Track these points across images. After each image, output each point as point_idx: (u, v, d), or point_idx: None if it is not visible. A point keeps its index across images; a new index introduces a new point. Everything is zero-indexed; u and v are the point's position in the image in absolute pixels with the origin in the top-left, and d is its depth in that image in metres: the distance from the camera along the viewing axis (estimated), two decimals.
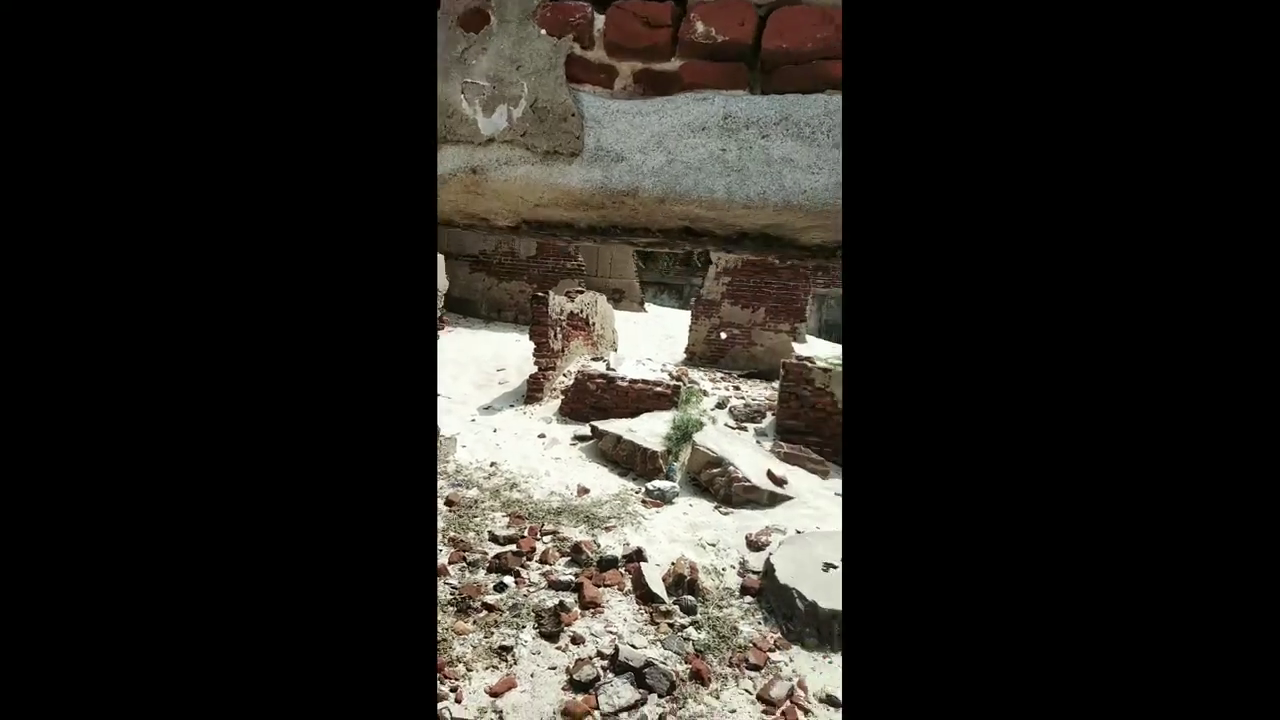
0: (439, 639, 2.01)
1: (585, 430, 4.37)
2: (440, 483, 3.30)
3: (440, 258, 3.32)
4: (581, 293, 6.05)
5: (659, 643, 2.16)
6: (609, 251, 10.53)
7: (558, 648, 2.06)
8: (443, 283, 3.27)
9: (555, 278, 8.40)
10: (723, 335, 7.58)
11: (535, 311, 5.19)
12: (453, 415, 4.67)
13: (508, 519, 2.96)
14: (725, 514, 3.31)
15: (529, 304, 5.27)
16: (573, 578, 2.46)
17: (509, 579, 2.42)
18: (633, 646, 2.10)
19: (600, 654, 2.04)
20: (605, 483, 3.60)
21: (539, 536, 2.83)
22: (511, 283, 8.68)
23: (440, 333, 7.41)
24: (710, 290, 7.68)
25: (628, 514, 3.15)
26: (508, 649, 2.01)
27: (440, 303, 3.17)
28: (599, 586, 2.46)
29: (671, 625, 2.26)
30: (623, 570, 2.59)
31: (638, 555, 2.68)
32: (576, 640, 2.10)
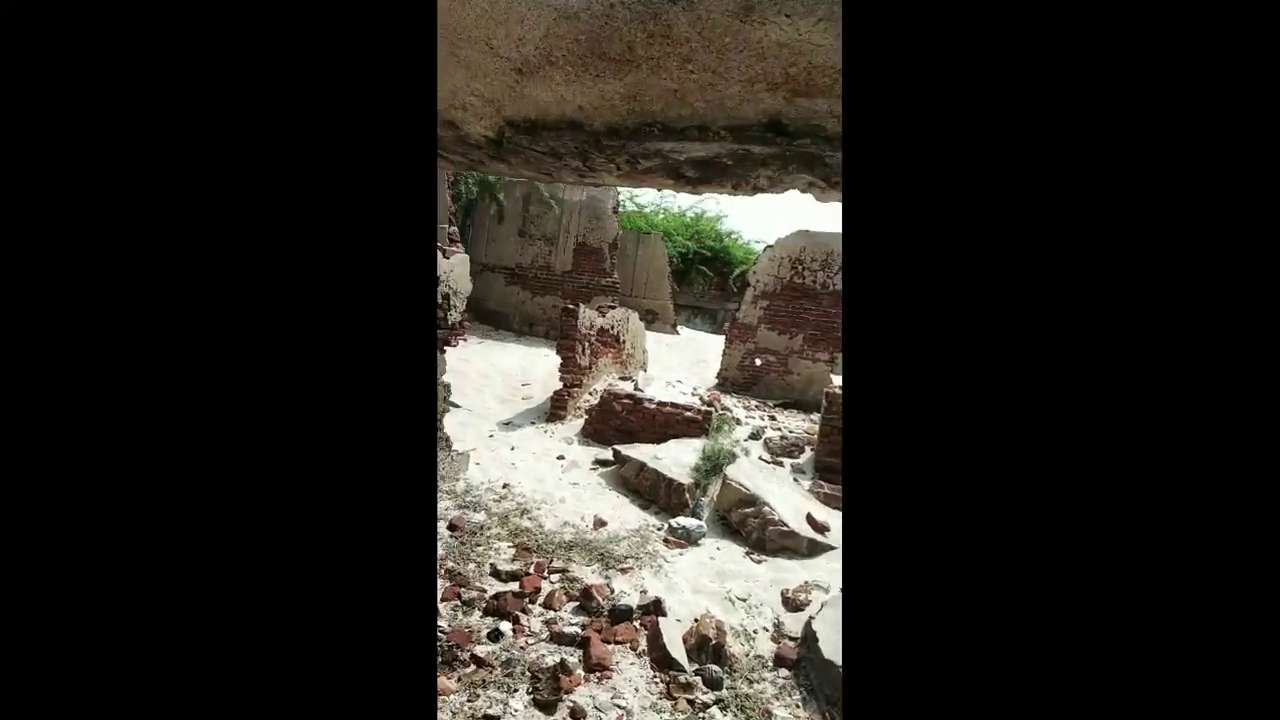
0: None
1: (608, 454, 4.05)
2: (446, 503, 3.02)
3: (465, 259, 3.09)
4: (614, 308, 5.79)
5: None
6: (644, 271, 10.33)
7: None
8: (465, 284, 3.03)
9: (589, 294, 8.21)
10: (757, 361, 7.20)
11: (564, 324, 4.94)
12: (470, 429, 4.43)
13: (514, 550, 2.65)
14: (758, 562, 2.91)
15: (559, 318, 5.03)
16: (579, 630, 2.12)
17: (506, 625, 2.09)
18: None
19: None
20: (625, 515, 3.26)
21: (546, 574, 2.50)
22: (545, 297, 8.53)
23: (461, 342, 7.29)
24: (747, 314, 7.33)
25: (647, 554, 2.80)
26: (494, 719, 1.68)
27: (461, 305, 2.94)
28: (609, 643, 2.10)
29: (692, 703, 1.89)
30: (638, 624, 2.24)
31: (655, 607, 2.32)
32: (576, 715, 1.75)
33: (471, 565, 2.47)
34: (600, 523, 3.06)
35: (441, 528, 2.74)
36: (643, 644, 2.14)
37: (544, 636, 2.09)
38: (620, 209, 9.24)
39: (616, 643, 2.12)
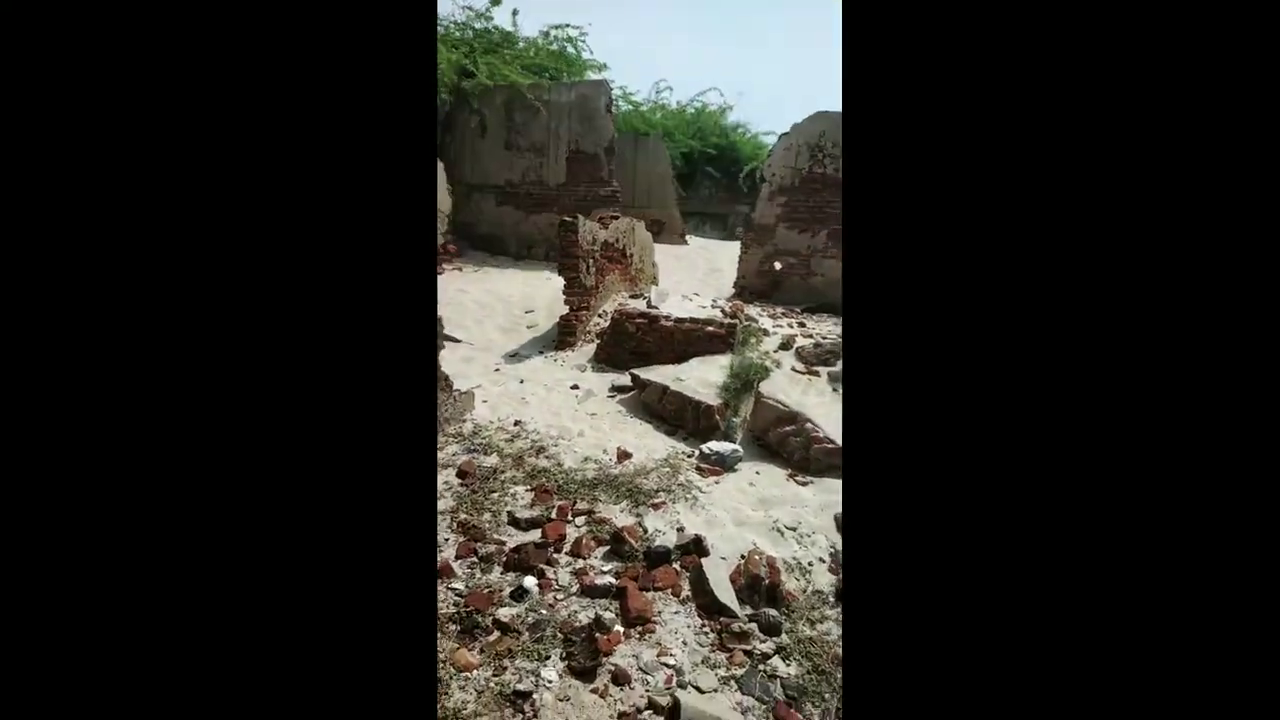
0: (436, 677, 1.47)
1: (625, 380, 3.73)
2: (453, 447, 2.75)
3: (442, 175, 2.60)
4: (616, 218, 5.25)
5: (733, 681, 1.57)
6: (645, 178, 9.54)
7: (593, 690, 1.50)
8: (444, 202, 2.56)
9: (588, 207, 7.56)
10: (777, 265, 6.68)
11: (563, 241, 4.46)
12: (475, 364, 4.11)
13: (532, 494, 2.39)
14: (803, 484, 2.64)
15: (558, 236, 4.54)
16: (613, 580, 1.88)
17: (531, 581, 1.85)
18: (698, 690, 1.51)
19: (654, 706, 1.46)
20: (651, 444, 2.98)
21: (570, 518, 2.25)
22: (541, 215, 7.89)
23: (452, 269, 6.83)
24: (762, 214, 6.71)
25: (679, 486, 2.53)
26: (524, 696, 1.45)
27: (443, 226, 2.49)
28: (647, 590, 1.87)
29: (749, 654, 1.66)
30: (678, 566, 1.99)
31: (696, 545, 2.07)
32: (619, 679, 1.53)
33: (486, 515, 2.22)
34: (625, 455, 2.79)
35: (450, 475, 2.48)
36: (686, 589, 1.91)
37: (574, 590, 1.85)
38: (615, 108, 8.33)
39: (656, 589, 1.88)
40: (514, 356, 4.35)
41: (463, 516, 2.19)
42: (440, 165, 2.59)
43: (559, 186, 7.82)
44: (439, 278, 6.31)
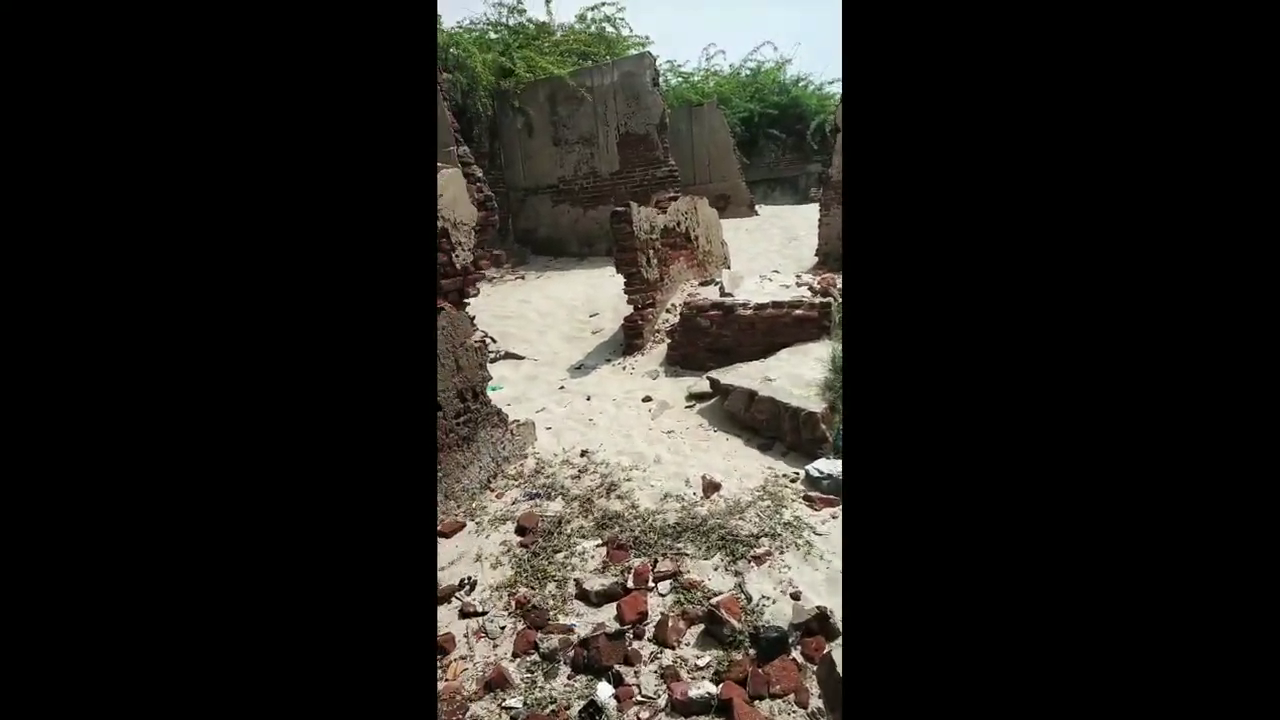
0: None
1: (703, 384, 3.21)
2: (513, 493, 2.40)
3: (455, 174, 2.24)
4: (675, 199, 4.70)
5: None
6: (704, 150, 8.83)
7: None
8: (467, 211, 2.21)
9: (646, 191, 7.04)
10: None
11: (618, 234, 4.00)
12: (539, 382, 3.78)
13: (604, 550, 1.97)
14: None
15: (610, 228, 4.09)
16: (713, 689, 1.40)
17: (605, 691, 1.42)
18: None
19: None
20: (742, 466, 2.46)
21: (651, 583, 1.80)
22: (598, 209, 7.48)
23: (509, 277, 6.60)
24: (840, 168, 5.85)
25: (786, 527, 2.00)
26: None
27: (469, 241, 2.14)
28: (761, 698, 1.37)
29: None
30: (798, 656, 1.48)
31: (820, 623, 1.54)
32: None
33: (550, 587, 1.82)
34: (712, 486, 2.29)
35: (508, 532, 2.11)
36: (814, 692, 1.39)
37: (662, 705, 1.39)
38: (663, 82, 7.72)
39: (773, 696, 1.39)
40: (579, 369, 3.98)
41: (522, 591, 1.81)
42: (459, 170, 2.20)
43: (613, 175, 7.37)
44: (499, 288, 6.10)
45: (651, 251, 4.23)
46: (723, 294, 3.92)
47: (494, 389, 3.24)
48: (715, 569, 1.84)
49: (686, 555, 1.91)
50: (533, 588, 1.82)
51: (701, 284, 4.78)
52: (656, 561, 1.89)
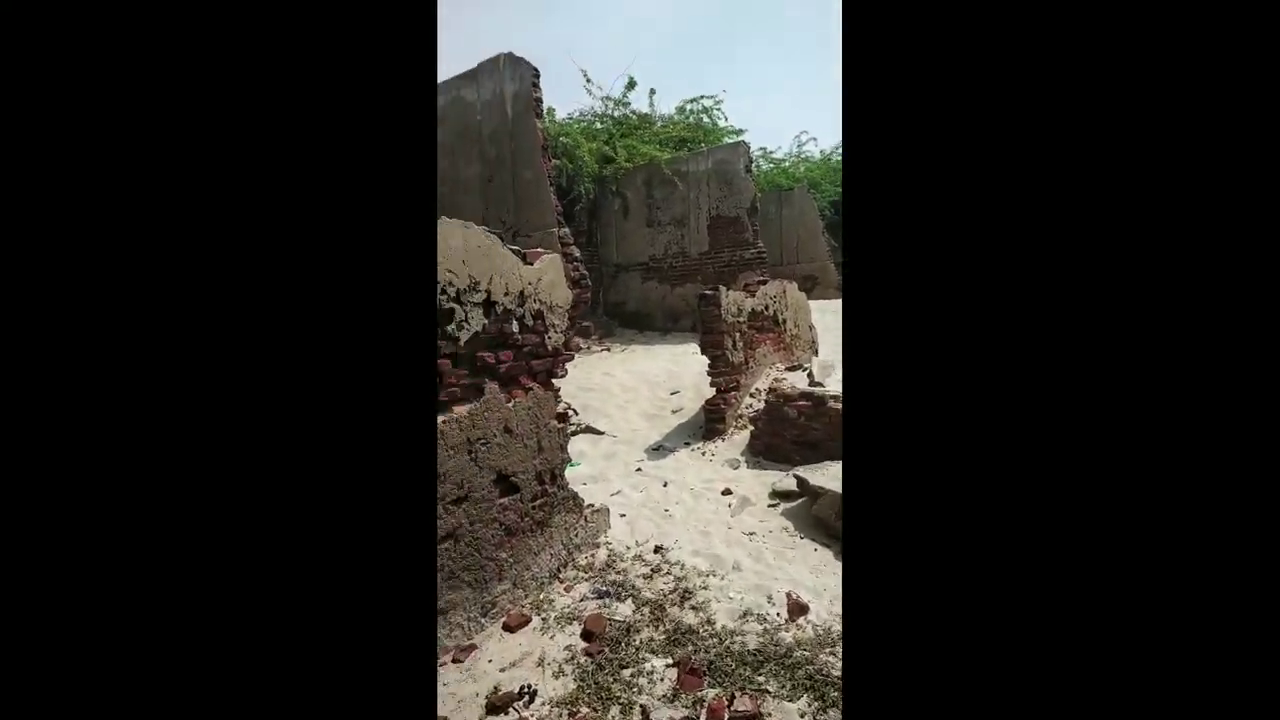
0: None
1: (789, 481, 3.00)
2: (583, 587, 2.28)
3: (554, 259, 2.34)
4: (764, 282, 4.66)
5: None
6: (793, 233, 8.88)
7: None
8: (562, 295, 2.28)
9: (733, 272, 7.11)
10: None
11: (704, 315, 3.99)
12: (616, 460, 3.71)
13: (675, 671, 1.78)
14: None
15: (697, 307, 4.09)
16: None
17: None
18: None
19: None
20: (833, 586, 2.20)
21: None
22: (685, 286, 7.64)
23: (596, 348, 6.73)
24: None
25: None
26: None
27: (562, 324, 2.17)
28: None
29: None
30: None
31: None
32: None
33: (615, 710, 1.65)
34: (799, 609, 2.05)
35: (573, 635, 1.99)
36: None
37: None
38: (754, 168, 7.96)
39: None
40: (657, 450, 3.88)
41: (583, 712, 1.65)
42: (558, 256, 2.31)
43: (701, 255, 7.54)
44: (586, 359, 6.26)
45: (738, 335, 4.16)
46: (812, 382, 3.74)
47: (573, 466, 3.21)
48: (801, 716, 1.60)
49: (768, 693, 1.68)
50: (595, 709, 1.67)
51: (788, 369, 4.61)
52: (734, 697, 1.67)
